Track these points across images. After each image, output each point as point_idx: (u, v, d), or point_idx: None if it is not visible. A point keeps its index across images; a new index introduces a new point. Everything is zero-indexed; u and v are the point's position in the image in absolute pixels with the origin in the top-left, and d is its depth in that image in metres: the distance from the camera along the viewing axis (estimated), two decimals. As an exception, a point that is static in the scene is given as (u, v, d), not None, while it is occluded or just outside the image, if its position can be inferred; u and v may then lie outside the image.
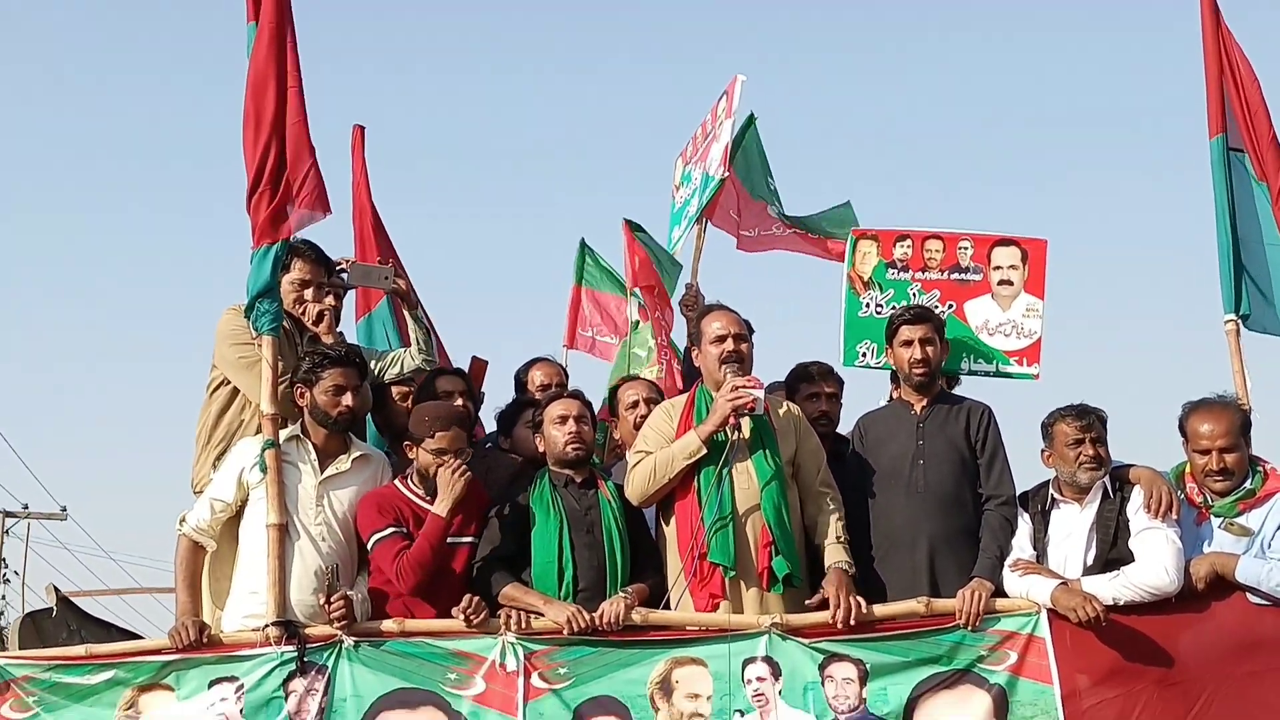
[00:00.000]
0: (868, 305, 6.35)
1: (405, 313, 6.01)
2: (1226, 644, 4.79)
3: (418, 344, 5.89)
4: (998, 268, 6.27)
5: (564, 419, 5.34)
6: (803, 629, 4.92)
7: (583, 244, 9.39)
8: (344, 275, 5.82)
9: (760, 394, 5.14)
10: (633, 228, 7.75)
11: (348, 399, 5.19)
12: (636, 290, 7.80)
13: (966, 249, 6.32)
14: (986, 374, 6.23)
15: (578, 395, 5.53)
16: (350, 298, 6.16)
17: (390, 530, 5.06)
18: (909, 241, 6.39)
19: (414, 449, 5.19)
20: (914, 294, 6.34)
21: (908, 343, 5.53)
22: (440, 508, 5.04)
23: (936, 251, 6.36)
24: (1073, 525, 5.05)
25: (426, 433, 5.15)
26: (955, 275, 6.33)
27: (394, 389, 5.92)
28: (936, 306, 6.27)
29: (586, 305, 9.26)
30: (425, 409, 5.35)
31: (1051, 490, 5.16)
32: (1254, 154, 6.02)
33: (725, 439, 5.14)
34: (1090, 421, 5.06)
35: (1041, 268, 6.23)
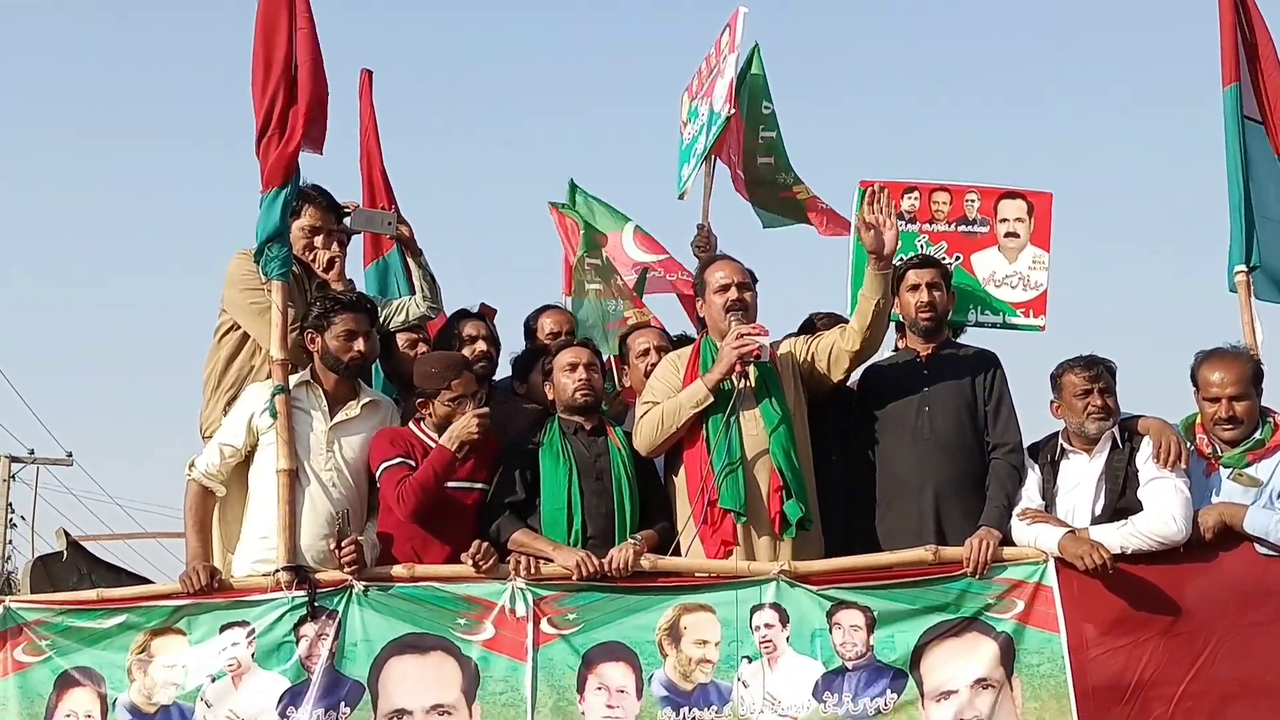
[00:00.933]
0: (876, 256, 6.37)
1: (410, 260, 5.99)
2: (1233, 594, 4.81)
3: (422, 292, 5.86)
4: (1004, 220, 6.31)
5: (574, 366, 5.34)
6: (810, 576, 4.94)
7: (571, 185, 8.88)
8: (347, 220, 5.80)
9: (766, 341, 5.14)
10: (560, 207, 7.67)
11: (359, 344, 5.20)
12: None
13: (973, 201, 6.34)
14: (994, 325, 6.26)
15: (587, 343, 5.55)
16: (358, 244, 6.13)
17: (398, 460, 5.08)
18: (916, 193, 6.40)
19: (429, 404, 5.19)
20: (921, 245, 6.36)
21: (915, 287, 5.54)
22: (448, 439, 5.04)
23: (944, 203, 6.38)
24: (1081, 475, 5.07)
25: (440, 384, 5.15)
26: (962, 227, 6.36)
27: (400, 336, 5.91)
28: (944, 258, 6.30)
29: None
30: (429, 361, 5.36)
31: (1061, 441, 5.17)
32: (1272, 129, 5.98)
33: (731, 387, 5.15)
34: (1099, 372, 5.07)
35: (1047, 220, 6.25)
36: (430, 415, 5.21)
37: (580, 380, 5.31)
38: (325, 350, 5.19)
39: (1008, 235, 6.31)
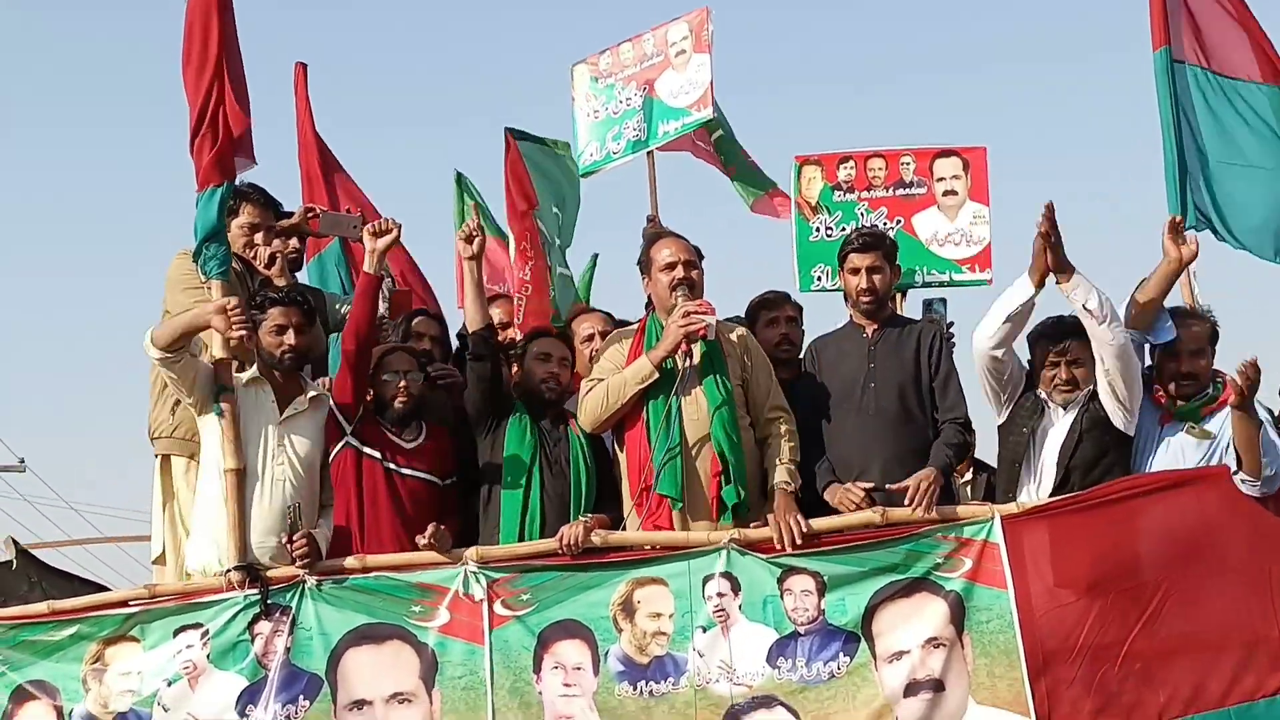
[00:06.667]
0: (818, 229, 6.50)
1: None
2: (1178, 547, 4.82)
3: None
4: (941, 179, 6.46)
5: (548, 357, 5.43)
6: (760, 543, 4.96)
7: (459, 180, 8.30)
8: (313, 222, 5.94)
9: (712, 319, 5.10)
10: (517, 135, 7.18)
11: (289, 338, 5.17)
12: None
13: (909, 164, 6.46)
14: (940, 284, 6.37)
15: (565, 339, 5.66)
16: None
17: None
18: (852, 163, 6.52)
19: None
20: (861, 213, 6.46)
21: (855, 270, 5.45)
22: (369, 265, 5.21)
23: (880, 169, 6.50)
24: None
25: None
26: (900, 191, 6.49)
27: None
28: (884, 223, 6.39)
29: None
30: None
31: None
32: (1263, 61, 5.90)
33: (674, 366, 5.13)
34: (1065, 346, 5.17)
35: (983, 175, 6.43)
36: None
37: (549, 373, 5.40)
38: (260, 346, 5.19)
39: (946, 194, 6.46)
